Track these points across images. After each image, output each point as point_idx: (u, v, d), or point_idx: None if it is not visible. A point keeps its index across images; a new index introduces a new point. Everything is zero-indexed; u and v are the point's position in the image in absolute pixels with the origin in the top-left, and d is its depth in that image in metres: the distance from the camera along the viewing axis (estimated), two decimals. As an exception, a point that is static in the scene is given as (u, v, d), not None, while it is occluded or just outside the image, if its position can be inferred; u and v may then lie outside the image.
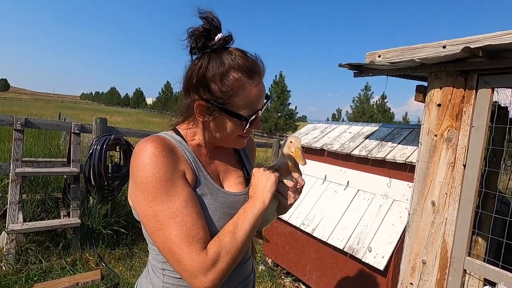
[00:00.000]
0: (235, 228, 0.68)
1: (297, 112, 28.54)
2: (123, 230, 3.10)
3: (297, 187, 0.80)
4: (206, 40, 0.70)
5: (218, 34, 0.70)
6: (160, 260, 0.74)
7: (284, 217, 2.67)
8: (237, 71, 0.69)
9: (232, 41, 0.73)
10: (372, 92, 24.40)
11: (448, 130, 1.46)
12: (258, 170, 0.78)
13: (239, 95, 0.69)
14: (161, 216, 0.63)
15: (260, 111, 0.74)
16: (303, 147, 2.75)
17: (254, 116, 0.73)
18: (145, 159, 0.64)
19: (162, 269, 0.75)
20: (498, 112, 1.69)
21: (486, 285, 1.66)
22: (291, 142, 0.79)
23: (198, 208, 0.68)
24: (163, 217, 0.63)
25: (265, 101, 0.76)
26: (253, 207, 0.71)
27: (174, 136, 0.76)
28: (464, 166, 1.40)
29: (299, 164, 0.78)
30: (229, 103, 0.70)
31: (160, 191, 0.63)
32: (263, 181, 0.75)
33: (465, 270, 1.42)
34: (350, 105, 25.02)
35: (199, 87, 0.71)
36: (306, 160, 0.78)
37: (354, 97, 24.96)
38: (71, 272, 2.51)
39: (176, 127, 0.80)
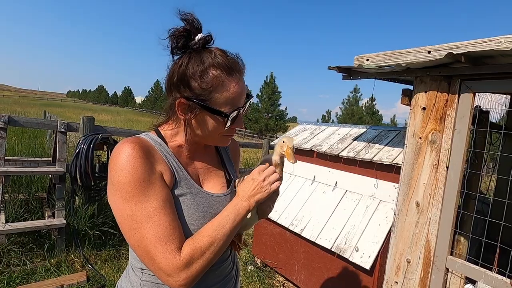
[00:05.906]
0: (213, 231, 0.70)
1: (287, 113, 28.69)
2: (112, 231, 3.05)
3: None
4: (187, 40, 0.72)
5: (199, 34, 0.72)
6: (139, 259, 0.74)
7: (273, 217, 2.69)
8: (217, 68, 0.70)
9: (212, 41, 0.74)
10: (361, 94, 24.80)
11: (432, 133, 1.50)
12: (258, 174, 0.78)
13: (219, 91, 0.71)
14: (138, 216, 0.64)
15: (241, 108, 0.75)
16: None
17: (235, 113, 0.74)
18: (123, 160, 0.65)
19: (141, 268, 0.76)
20: (479, 116, 1.74)
21: (467, 283, 1.71)
22: (283, 141, 0.82)
23: (174, 210, 0.70)
24: (140, 216, 0.64)
25: (246, 99, 0.77)
26: (235, 212, 0.74)
27: (154, 137, 0.77)
28: (447, 167, 1.44)
29: (290, 163, 0.80)
30: (210, 100, 0.71)
31: (138, 191, 0.64)
32: (257, 189, 0.76)
33: (447, 269, 1.47)
34: (340, 107, 25.35)
35: (180, 85, 0.72)
36: (296, 160, 0.80)
37: (344, 99, 25.31)
38: (56, 274, 2.45)
39: (159, 128, 0.81)
